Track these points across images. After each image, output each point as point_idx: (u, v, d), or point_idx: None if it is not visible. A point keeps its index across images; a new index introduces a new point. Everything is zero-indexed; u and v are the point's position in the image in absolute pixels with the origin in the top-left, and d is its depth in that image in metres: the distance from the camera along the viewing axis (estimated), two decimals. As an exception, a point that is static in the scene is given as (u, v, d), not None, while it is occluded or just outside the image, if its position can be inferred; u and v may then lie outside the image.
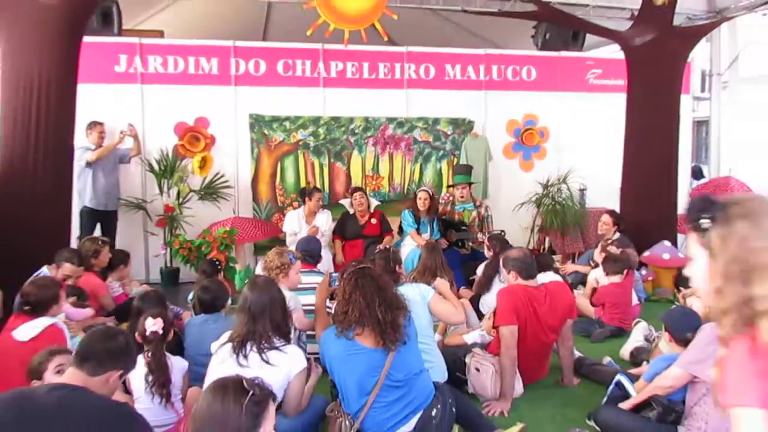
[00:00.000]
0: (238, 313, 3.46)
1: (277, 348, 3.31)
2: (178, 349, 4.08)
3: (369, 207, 7.49)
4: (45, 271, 4.93)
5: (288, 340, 3.44)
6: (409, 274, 5.36)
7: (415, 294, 4.06)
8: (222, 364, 3.26)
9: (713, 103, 10.61)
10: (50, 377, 3.08)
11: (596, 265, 6.33)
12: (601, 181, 8.88)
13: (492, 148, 8.80)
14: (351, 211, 7.50)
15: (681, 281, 5.52)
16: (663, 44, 7.30)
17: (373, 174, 8.46)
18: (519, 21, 8.52)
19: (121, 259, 5.98)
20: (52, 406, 2.22)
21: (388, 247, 5.62)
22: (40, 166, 5.45)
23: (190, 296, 5.13)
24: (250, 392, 2.05)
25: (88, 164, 7.07)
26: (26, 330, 3.67)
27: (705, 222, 1.59)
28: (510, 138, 9.11)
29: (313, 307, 4.55)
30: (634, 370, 4.18)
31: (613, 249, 6.25)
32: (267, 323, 3.34)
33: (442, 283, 4.56)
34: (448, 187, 8.08)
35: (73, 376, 2.47)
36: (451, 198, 7.54)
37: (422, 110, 8.61)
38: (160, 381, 3.52)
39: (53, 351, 3.26)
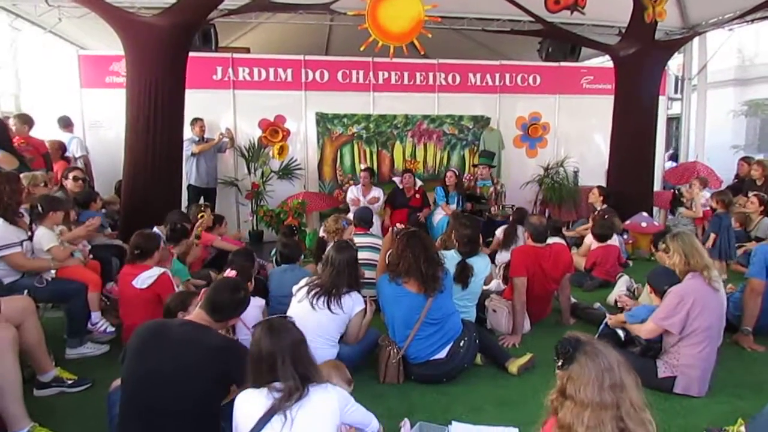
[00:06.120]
0: (324, 266, 3.40)
1: (342, 296, 3.26)
2: (264, 291, 4.12)
3: (414, 184, 7.48)
4: (156, 229, 4.99)
5: (354, 288, 3.36)
6: (441, 235, 5.30)
7: (483, 266, 3.97)
8: (300, 302, 3.27)
9: (684, 103, 10.22)
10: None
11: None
12: (590, 165, 8.70)
13: (504, 138, 8.58)
14: (400, 187, 7.50)
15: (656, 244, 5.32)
16: (645, 55, 6.96)
17: (411, 159, 8.34)
18: (527, 37, 8.26)
19: (217, 219, 6.05)
20: (181, 335, 2.25)
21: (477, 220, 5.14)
22: (157, 153, 5.47)
23: (273, 252, 5.16)
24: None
25: (193, 154, 7.14)
26: (143, 279, 3.63)
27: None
28: (518, 131, 8.87)
29: (367, 261, 4.53)
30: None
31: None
32: (344, 279, 3.28)
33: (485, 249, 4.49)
34: (473, 166, 8.00)
35: (199, 315, 2.45)
36: (474, 177, 7.42)
37: (450, 109, 8.42)
38: None
39: (187, 296, 3.19)
